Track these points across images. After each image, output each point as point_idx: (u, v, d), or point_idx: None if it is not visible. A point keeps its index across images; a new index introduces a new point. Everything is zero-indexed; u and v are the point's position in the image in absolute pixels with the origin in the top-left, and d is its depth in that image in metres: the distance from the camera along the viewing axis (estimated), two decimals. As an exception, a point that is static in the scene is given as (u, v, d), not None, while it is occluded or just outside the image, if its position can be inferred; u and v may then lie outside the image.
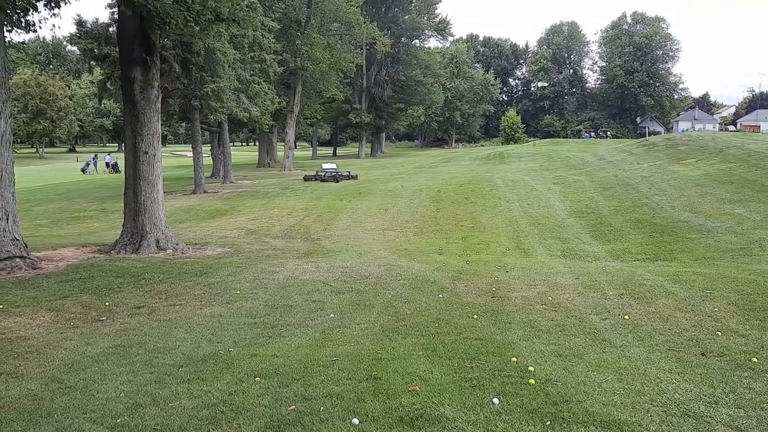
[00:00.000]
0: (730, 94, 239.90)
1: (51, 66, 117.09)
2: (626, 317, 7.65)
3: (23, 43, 12.69)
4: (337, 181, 37.56)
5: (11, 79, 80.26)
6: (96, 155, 69.56)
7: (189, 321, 8.08)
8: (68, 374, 5.97)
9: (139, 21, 13.60)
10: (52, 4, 11.18)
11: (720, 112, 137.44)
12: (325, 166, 42.78)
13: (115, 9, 19.80)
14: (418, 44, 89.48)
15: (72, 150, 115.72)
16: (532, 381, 5.37)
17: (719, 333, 6.83)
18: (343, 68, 56.82)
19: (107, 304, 9.13)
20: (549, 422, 4.57)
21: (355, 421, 4.63)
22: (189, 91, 28.78)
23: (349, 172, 40.62)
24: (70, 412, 4.99)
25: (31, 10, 10.17)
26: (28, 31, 10.69)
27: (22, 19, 10.00)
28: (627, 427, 4.47)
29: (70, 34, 27.54)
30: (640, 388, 5.21)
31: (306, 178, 39.52)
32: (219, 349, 6.74)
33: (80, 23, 25.24)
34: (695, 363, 5.87)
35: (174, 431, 4.63)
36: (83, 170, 59.78)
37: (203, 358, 6.44)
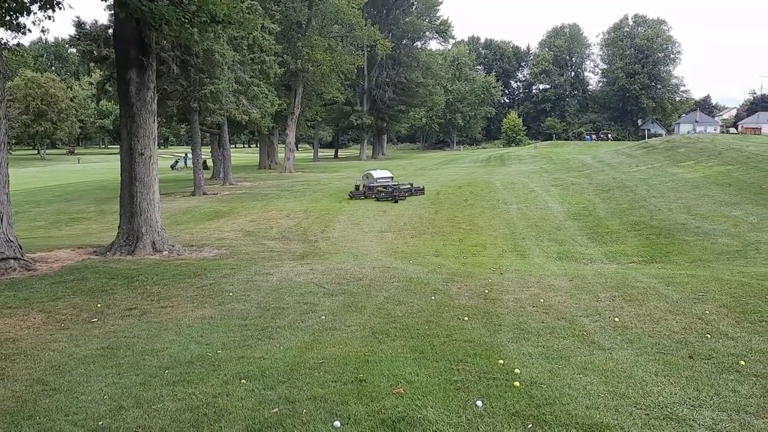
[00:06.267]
0: (732, 96, 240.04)
1: (53, 68, 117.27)
2: (617, 320, 7.63)
3: (19, 45, 12.70)
4: (413, 194, 28.91)
5: (12, 81, 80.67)
6: (187, 154, 69.35)
7: (179, 323, 8.08)
8: (54, 376, 5.97)
9: (135, 23, 13.61)
10: (47, 6, 11.19)
11: (721, 115, 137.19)
12: (376, 174, 31.08)
13: (113, 11, 19.81)
14: (419, 46, 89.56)
15: (71, 153, 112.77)
16: (517, 383, 5.35)
17: (708, 336, 6.81)
18: (344, 70, 56.88)
19: (99, 305, 9.13)
20: (531, 425, 4.55)
21: (337, 423, 4.62)
22: (188, 93, 28.82)
23: (411, 184, 30.75)
24: (53, 415, 4.99)
25: (24, 13, 10.18)
26: (18, 32, 10.68)
27: (15, 21, 10.01)
28: (608, 431, 4.45)
29: (70, 36, 27.62)
30: (625, 391, 5.19)
31: (361, 194, 29.19)
32: (207, 351, 6.73)
33: (79, 25, 25.30)
34: (682, 366, 5.84)
35: (155, 433, 4.62)
36: (172, 167, 61.17)
37: (190, 360, 6.43)
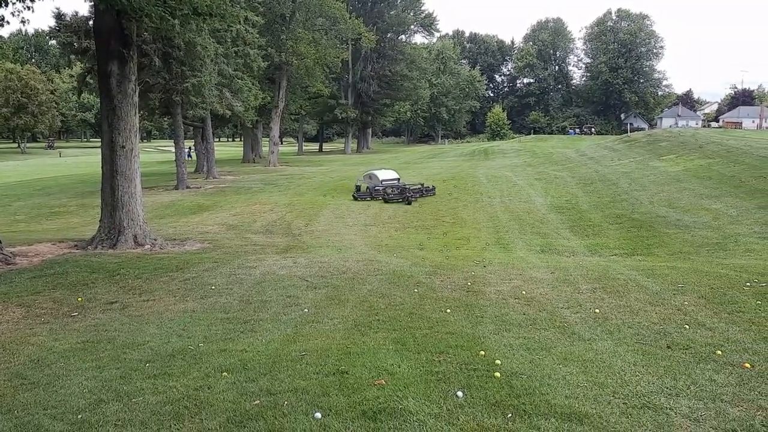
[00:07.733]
0: (713, 90, 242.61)
1: (33, 60, 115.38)
2: (597, 311, 7.70)
3: (-2, 36, 12.46)
4: (424, 195, 27.21)
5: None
6: (190, 147, 66.10)
7: (161, 316, 8.03)
8: (33, 370, 5.92)
9: (115, 14, 13.46)
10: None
11: (703, 109, 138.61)
12: (381, 176, 28.92)
13: (93, 2, 19.56)
14: (404, 40, 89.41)
15: (50, 147, 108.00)
16: (498, 374, 5.39)
17: (687, 326, 6.90)
18: (329, 63, 56.67)
19: (80, 299, 9.05)
20: (510, 414, 4.59)
21: (318, 415, 4.63)
22: (170, 86, 28.55)
23: (422, 184, 28.83)
24: (31, 408, 4.95)
25: (2, 4, 10.01)
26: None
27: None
28: (587, 419, 4.50)
29: (50, 27, 27.23)
30: (604, 381, 5.25)
31: (366, 196, 27.39)
32: (188, 345, 6.71)
33: (59, 16, 24.95)
34: (660, 356, 5.92)
35: (135, 426, 4.60)
36: None
37: (172, 353, 6.40)
